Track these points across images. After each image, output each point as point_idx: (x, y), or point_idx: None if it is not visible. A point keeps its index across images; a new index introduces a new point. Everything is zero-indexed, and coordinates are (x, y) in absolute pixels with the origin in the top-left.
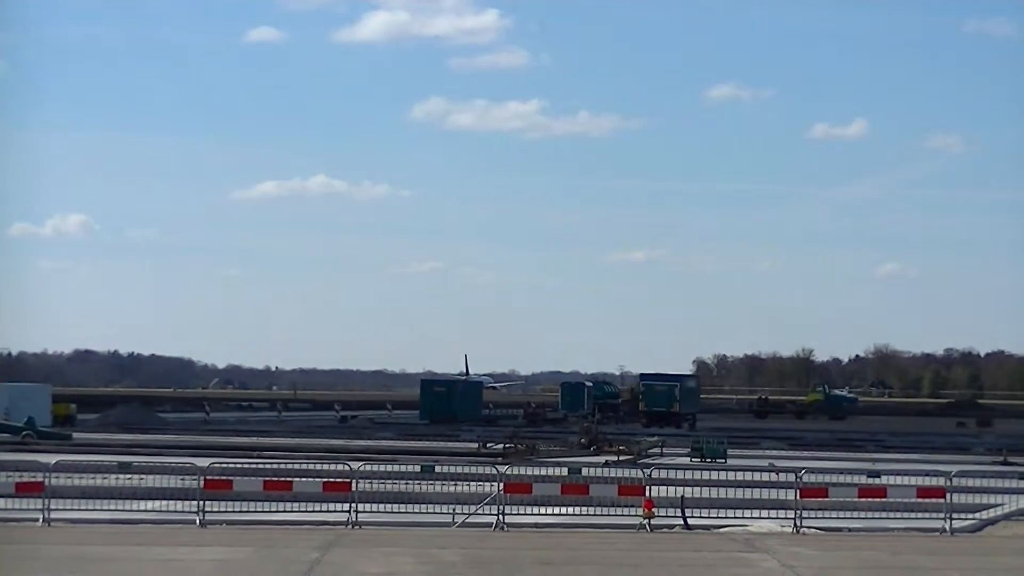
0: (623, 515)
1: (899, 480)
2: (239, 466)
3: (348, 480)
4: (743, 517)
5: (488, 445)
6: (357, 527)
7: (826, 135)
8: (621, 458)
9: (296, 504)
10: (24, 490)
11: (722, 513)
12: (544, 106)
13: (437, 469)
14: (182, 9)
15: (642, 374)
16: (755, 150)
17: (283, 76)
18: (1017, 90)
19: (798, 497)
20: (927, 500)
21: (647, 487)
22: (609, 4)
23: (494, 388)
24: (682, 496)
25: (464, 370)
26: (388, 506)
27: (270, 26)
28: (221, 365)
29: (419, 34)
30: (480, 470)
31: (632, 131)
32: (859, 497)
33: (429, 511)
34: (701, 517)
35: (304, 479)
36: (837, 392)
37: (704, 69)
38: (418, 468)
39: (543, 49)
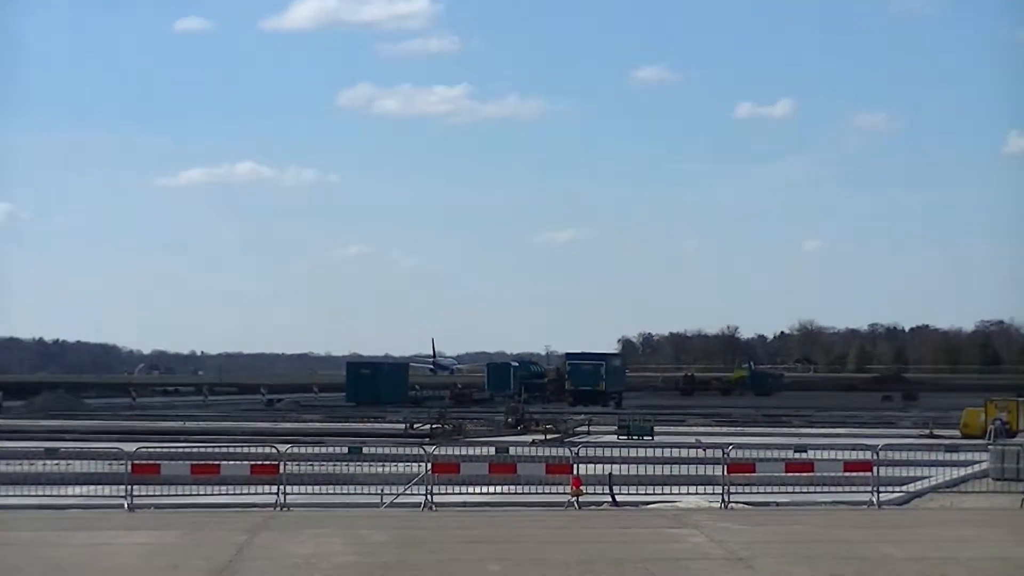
0: (551, 493)
1: (826, 455)
2: (166, 450)
3: (276, 463)
4: (671, 493)
5: (415, 426)
6: (285, 509)
7: (752, 114)
8: (548, 437)
9: (224, 487)
10: None
11: (650, 490)
12: (471, 90)
13: (365, 450)
14: None
15: (568, 353)
16: (681, 130)
17: (211, 64)
18: (942, 67)
19: (725, 473)
20: (854, 474)
21: (574, 465)
22: None
23: (460, 369)
24: (610, 473)
25: (432, 353)
26: (316, 488)
27: (198, 15)
28: (146, 351)
29: (349, 20)
30: (408, 451)
31: (559, 113)
32: (786, 472)
33: (357, 492)
34: (629, 494)
35: (231, 462)
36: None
37: (630, 51)
38: (345, 450)
39: (474, 34)
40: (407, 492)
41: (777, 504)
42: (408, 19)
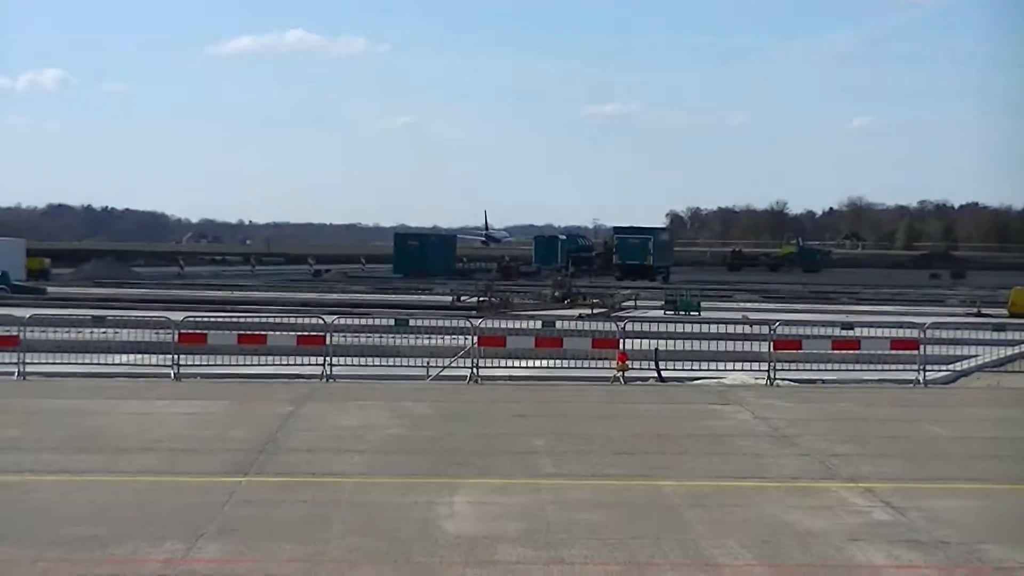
0: (597, 368)
1: (873, 332)
2: (213, 320)
3: (322, 334)
4: (716, 369)
5: (462, 298)
6: (331, 380)
7: None
8: (595, 311)
9: (270, 358)
10: None
11: (696, 366)
12: None
13: (411, 322)
14: None
15: (616, 227)
16: (731, 2)
17: None
18: None
19: (772, 349)
20: (901, 352)
21: (621, 340)
22: None
23: (511, 242)
24: (656, 349)
25: (484, 225)
26: (362, 359)
27: None
28: (195, 219)
29: None
30: (454, 323)
31: None
32: (833, 349)
33: (403, 364)
34: (675, 370)
35: (278, 332)
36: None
37: None
38: (392, 322)
39: None
40: (453, 365)
41: (823, 381)
42: None
